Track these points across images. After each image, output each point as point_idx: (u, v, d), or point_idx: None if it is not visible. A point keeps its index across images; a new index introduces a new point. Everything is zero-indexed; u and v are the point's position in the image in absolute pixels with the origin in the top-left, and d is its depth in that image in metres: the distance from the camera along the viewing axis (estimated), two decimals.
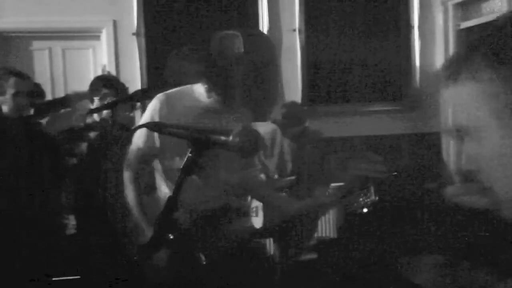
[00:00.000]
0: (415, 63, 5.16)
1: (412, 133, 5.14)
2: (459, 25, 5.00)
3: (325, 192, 2.38)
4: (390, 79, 5.17)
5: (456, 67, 0.63)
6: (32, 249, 2.89)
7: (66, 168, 3.00)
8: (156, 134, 2.06)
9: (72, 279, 3.26)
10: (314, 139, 3.65)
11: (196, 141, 1.43)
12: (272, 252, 3.38)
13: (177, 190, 1.44)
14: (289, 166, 3.57)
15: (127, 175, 2.16)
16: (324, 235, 4.65)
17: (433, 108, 5.15)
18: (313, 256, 4.26)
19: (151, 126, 1.82)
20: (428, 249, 0.68)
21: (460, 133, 0.64)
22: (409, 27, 5.16)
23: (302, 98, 5.02)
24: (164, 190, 2.21)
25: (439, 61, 5.12)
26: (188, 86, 2.18)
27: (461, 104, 0.63)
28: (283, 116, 3.53)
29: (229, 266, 2.14)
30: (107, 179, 2.85)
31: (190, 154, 1.41)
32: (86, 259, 3.03)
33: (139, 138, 2.13)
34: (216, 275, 2.06)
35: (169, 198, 1.44)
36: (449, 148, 5.15)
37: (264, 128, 3.57)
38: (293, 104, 4.09)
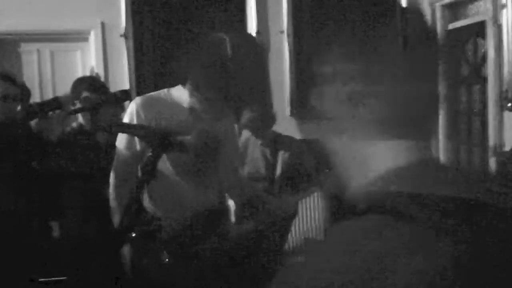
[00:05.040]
0: None
1: None
2: (446, 26, 5.06)
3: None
4: None
5: None
6: (25, 251, 2.88)
7: (58, 171, 2.98)
8: (136, 138, 2.06)
9: (59, 280, 3.25)
10: (287, 144, 3.64)
11: (155, 142, 1.42)
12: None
13: (138, 190, 1.44)
14: (262, 171, 3.58)
15: (111, 181, 2.18)
16: (311, 236, 4.67)
17: None
18: (302, 259, 4.27)
19: (115, 126, 1.83)
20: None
21: None
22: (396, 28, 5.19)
23: (290, 100, 5.05)
24: (145, 199, 2.23)
25: None
26: (165, 90, 2.18)
27: None
28: (250, 118, 3.52)
29: (226, 269, 2.15)
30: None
31: (150, 154, 1.41)
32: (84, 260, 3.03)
33: (120, 143, 2.15)
34: (203, 278, 2.07)
35: (131, 198, 1.44)
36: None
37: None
38: (261, 107, 4.09)
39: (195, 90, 2.07)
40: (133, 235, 1.72)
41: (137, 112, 2.05)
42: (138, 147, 2.09)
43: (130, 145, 2.10)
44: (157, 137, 1.41)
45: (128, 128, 1.77)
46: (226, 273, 2.13)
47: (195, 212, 2.15)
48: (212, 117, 2.12)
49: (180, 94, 2.12)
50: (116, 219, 2.14)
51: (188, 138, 1.36)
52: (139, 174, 2.12)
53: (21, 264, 2.85)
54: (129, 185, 2.10)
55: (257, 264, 2.58)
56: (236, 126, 2.34)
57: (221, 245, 2.18)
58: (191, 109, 2.10)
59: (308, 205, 4.74)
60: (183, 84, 2.12)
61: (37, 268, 3.03)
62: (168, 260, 2.00)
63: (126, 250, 2.08)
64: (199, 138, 1.38)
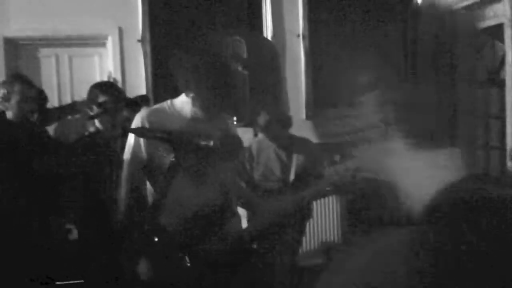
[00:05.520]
0: None
1: None
2: None
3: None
4: None
5: None
6: (35, 251, 2.91)
7: (73, 174, 3.01)
8: (143, 147, 2.16)
9: (76, 283, 3.27)
10: (302, 147, 3.65)
11: (179, 146, 1.45)
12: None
13: (161, 195, 1.45)
14: (277, 172, 3.58)
15: (123, 176, 2.26)
16: (329, 240, 4.66)
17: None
18: (318, 261, 4.26)
19: (137, 131, 1.87)
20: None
21: None
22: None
23: (306, 103, 5.04)
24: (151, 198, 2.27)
25: None
26: (168, 101, 2.26)
27: None
28: (267, 121, 3.53)
29: (224, 269, 2.16)
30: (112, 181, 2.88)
31: (173, 159, 1.43)
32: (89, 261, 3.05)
33: (128, 148, 2.23)
34: (202, 279, 2.08)
35: (154, 203, 1.46)
36: None
37: (250, 134, 3.59)
38: (276, 109, 4.10)
39: (198, 97, 2.12)
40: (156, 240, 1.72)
41: (142, 124, 2.13)
42: (144, 156, 2.18)
43: (136, 152, 2.19)
44: (182, 141, 1.44)
45: (152, 133, 1.81)
46: (227, 273, 2.14)
47: (196, 211, 2.17)
48: (213, 126, 2.16)
49: (183, 104, 2.19)
50: (122, 209, 2.21)
51: (211, 142, 1.38)
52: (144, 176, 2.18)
53: (22, 263, 2.87)
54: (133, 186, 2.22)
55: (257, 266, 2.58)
56: (238, 132, 2.38)
57: (222, 245, 2.20)
58: (191, 118, 2.16)
59: (324, 207, 4.73)
60: (186, 93, 2.17)
61: (37, 267, 3.06)
62: (158, 257, 2.02)
63: (128, 249, 2.13)
64: (225, 141, 1.40)
